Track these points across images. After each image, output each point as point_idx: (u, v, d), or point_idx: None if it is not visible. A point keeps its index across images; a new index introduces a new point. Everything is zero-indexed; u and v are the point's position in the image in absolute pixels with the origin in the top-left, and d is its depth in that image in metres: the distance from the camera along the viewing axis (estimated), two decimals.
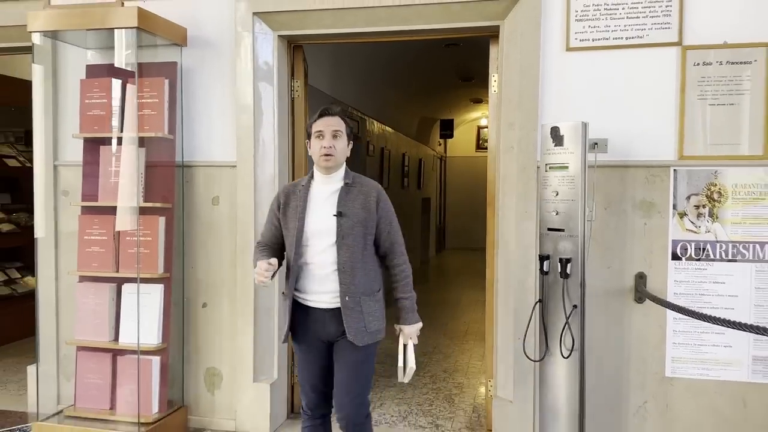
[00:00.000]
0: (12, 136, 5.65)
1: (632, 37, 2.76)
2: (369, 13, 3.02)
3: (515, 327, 2.92)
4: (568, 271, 2.49)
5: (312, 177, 2.26)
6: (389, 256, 2.26)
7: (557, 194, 2.53)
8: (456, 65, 7.29)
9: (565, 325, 2.51)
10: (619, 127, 2.77)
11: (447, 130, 11.77)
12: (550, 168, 2.57)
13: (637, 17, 2.76)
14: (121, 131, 3.08)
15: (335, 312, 2.17)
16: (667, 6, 2.73)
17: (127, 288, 3.09)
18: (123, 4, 2.96)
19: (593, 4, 2.79)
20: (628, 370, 2.83)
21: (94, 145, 3.17)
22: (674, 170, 2.75)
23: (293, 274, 2.20)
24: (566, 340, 2.51)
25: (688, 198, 2.74)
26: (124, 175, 3.03)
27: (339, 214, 2.15)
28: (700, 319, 2.28)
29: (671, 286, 2.77)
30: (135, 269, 3.01)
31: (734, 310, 2.71)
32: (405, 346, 2.26)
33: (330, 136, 2.16)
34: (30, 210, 5.27)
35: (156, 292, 3.06)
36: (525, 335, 2.71)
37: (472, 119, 12.53)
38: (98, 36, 3.10)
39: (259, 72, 3.17)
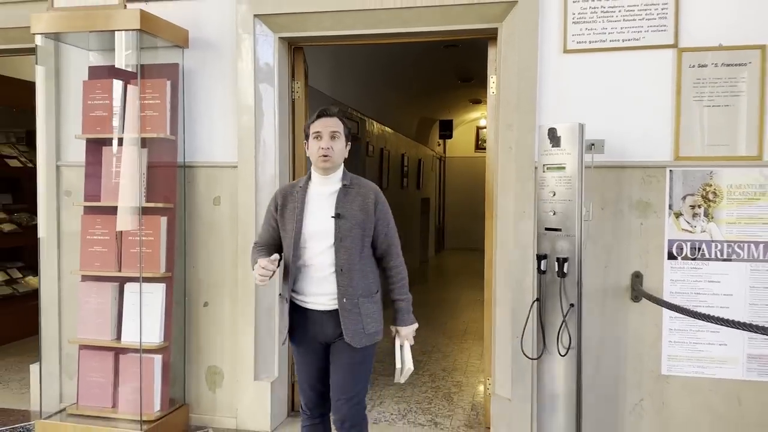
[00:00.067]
0: (13, 136, 5.68)
1: (628, 40, 2.80)
2: (368, 15, 3.05)
3: (513, 326, 2.95)
4: (565, 270, 2.52)
5: (310, 178, 2.25)
6: (386, 258, 2.26)
7: (554, 194, 2.56)
8: (455, 66, 7.33)
9: (562, 324, 2.55)
10: (616, 128, 2.80)
11: (446, 130, 11.81)
12: (547, 168, 2.60)
13: (633, 20, 2.79)
14: (123, 132, 3.11)
15: (333, 314, 2.17)
16: (662, 9, 2.76)
17: (129, 287, 3.12)
18: (125, 6, 2.98)
19: (590, 7, 2.82)
20: (625, 368, 2.87)
21: (96, 146, 3.20)
22: (670, 171, 2.78)
23: (291, 275, 2.20)
24: (563, 339, 2.55)
25: (684, 198, 2.77)
26: (126, 176, 3.07)
27: (337, 216, 2.14)
28: (695, 318, 2.30)
29: (667, 285, 2.80)
30: (137, 269, 3.04)
31: (729, 309, 2.74)
32: (401, 347, 2.27)
33: (328, 137, 2.16)
34: (31, 210, 5.34)
35: (158, 291, 3.09)
36: (523, 334, 2.75)
37: (471, 120, 12.56)
38: (100, 38, 3.13)
39: (260, 73, 3.20)
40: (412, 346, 2.30)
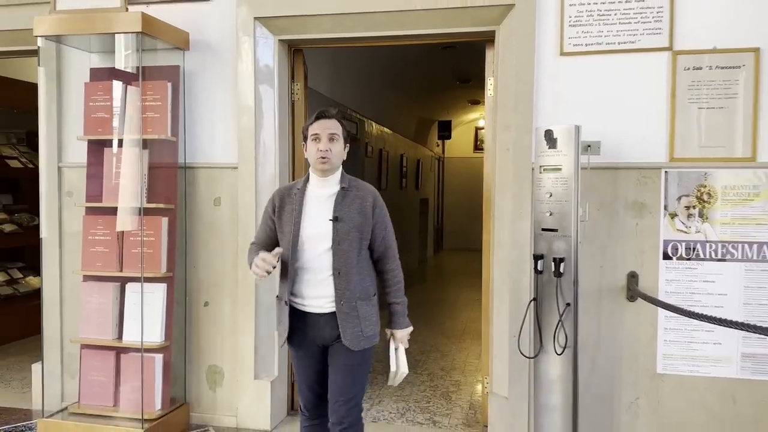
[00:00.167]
0: (14, 137, 5.70)
1: (624, 42, 2.83)
2: (367, 18, 3.08)
3: (510, 325, 2.98)
4: (561, 270, 2.56)
5: (308, 180, 2.23)
6: (382, 261, 2.25)
7: (551, 195, 2.60)
8: (453, 67, 7.37)
9: (558, 323, 2.58)
10: (612, 130, 2.84)
11: (445, 131, 11.85)
12: (544, 170, 2.63)
13: (629, 23, 2.83)
14: (124, 133, 3.14)
15: (330, 316, 2.16)
16: (658, 12, 2.80)
17: (130, 287, 3.15)
18: (127, 9, 3.01)
19: (586, 10, 2.86)
20: (621, 367, 2.90)
21: (98, 147, 3.23)
22: (665, 172, 2.82)
23: (289, 278, 2.18)
24: (560, 338, 2.58)
25: (679, 199, 2.81)
26: (127, 176, 3.10)
27: (335, 219, 2.13)
28: (690, 317, 2.33)
29: (662, 284, 2.84)
30: (138, 269, 3.07)
31: (723, 308, 2.78)
32: (396, 350, 2.27)
33: (326, 140, 2.14)
34: (31, 211, 5.37)
35: (159, 291, 3.12)
36: (520, 333, 2.78)
37: (469, 120, 12.59)
38: (102, 40, 3.16)
39: (260, 75, 3.23)
40: (407, 349, 2.30)
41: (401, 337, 2.27)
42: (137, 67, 3.06)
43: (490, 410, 3.12)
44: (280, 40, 3.27)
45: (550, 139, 2.60)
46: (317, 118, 2.18)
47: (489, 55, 3.18)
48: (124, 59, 3.16)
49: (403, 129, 9.20)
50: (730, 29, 2.74)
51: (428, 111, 10.38)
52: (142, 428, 2.98)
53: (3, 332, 4.91)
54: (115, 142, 3.18)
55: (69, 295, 3.47)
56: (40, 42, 3.20)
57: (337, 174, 2.21)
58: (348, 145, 2.25)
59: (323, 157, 2.13)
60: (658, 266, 2.84)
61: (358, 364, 2.20)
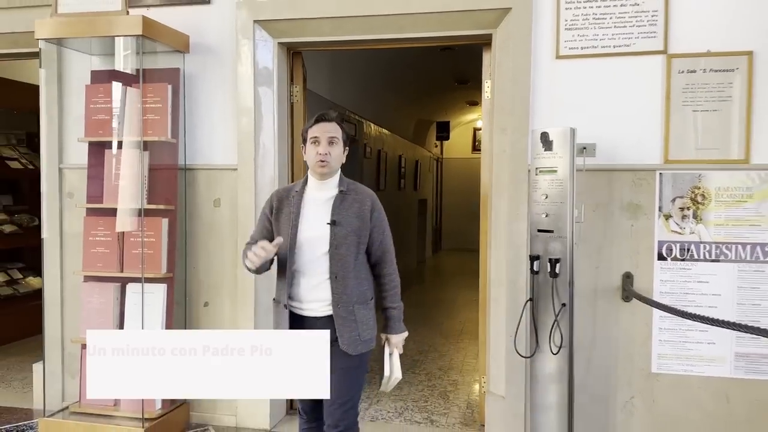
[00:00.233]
0: (14, 138, 5.72)
1: (619, 46, 2.87)
2: (366, 21, 3.12)
3: (507, 325, 3.01)
4: (557, 270, 2.59)
5: (306, 182, 2.22)
6: (380, 265, 2.24)
7: (547, 197, 2.63)
8: (452, 68, 7.40)
9: (554, 323, 2.61)
10: (607, 132, 2.87)
11: (443, 132, 11.87)
12: (540, 172, 2.66)
13: (624, 26, 2.86)
14: (125, 135, 3.17)
15: (327, 320, 2.14)
16: (653, 16, 2.83)
17: (131, 287, 3.18)
18: (128, 12, 3.04)
19: (582, 14, 2.89)
20: (616, 367, 2.94)
21: (98, 149, 3.26)
22: (660, 174, 2.85)
23: (286, 281, 2.16)
24: (555, 338, 2.61)
25: (673, 200, 2.84)
26: (127, 178, 3.12)
27: (333, 223, 2.12)
28: (684, 318, 2.37)
29: (657, 285, 2.87)
30: (139, 269, 3.10)
31: (717, 309, 2.81)
32: (391, 355, 2.26)
33: (326, 143, 2.13)
34: (31, 211, 5.39)
35: (159, 291, 3.15)
36: (516, 333, 2.81)
37: (468, 121, 12.63)
38: (103, 42, 3.19)
39: (259, 78, 3.26)
40: (400, 355, 2.28)
41: (396, 342, 2.26)
42: (138, 70, 3.08)
43: (487, 409, 3.15)
44: (279, 42, 3.30)
45: (546, 141, 2.63)
46: (317, 121, 2.17)
47: (486, 58, 3.21)
48: (124, 62, 3.19)
49: (402, 130, 9.23)
50: (723, 33, 2.78)
51: (427, 112, 10.41)
52: (143, 427, 3.01)
53: (3, 332, 4.93)
54: (115, 144, 3.20)
55: (70, 296, 3.49)
56: (41, 44, 3.22)
57: (336, 177, 2.20)
58: (347, 148, 2.24)
59: (322, 161, 2.12)
60: (653, 267, 2.87)
61: (355, 368, 2.19)
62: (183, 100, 3.29)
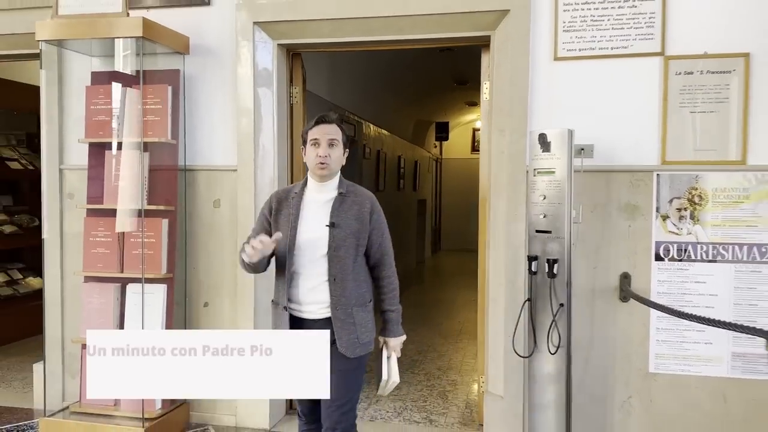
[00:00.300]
0: (14, 139, 5.74)
1: (617, 47, 2.88)
2: (366, 23, 3.13)
3: (506, 325, 3.03)
4: (555, 271, 2.60)
5: (305, 184, 2.21)
6: (378, 268, 2.23)
7: (545, 198, 2.64)
8: (451, 69, 7.41)
9: (552, 323, 2.63)
10: (605, 134, 2.89)
11: (442, 132, 11.89)
12: (538, 173, 2.68)
13: (622, 28, 2.88)
14: (125, 136, 3.18)
15: (326, 322, 2.13)
16: (650, 18, 2.85)
17: (131, 288, 3.19)
18: (128, 14, 3.05)
19: (580, 16, 2.91)
20: (614, 367, 2.95)
21: (99, 150, 3.27)
22: (657, 175, 2.87)
23: (285, 283, 2.15)
24: (553, 338, 2.62)
25: (671, 201, 2.86)
26: (127, 178, 3.14)
27: (332, 225, 2.11)
28: (682, 318, 2.38)
29: (654, 285, 2.89)
30: (139, 270, 3.11)
31: (714, 309, 2.82)
32: (388, 358, 2.25)
33: (326, 145, 2.12)
34: (31, 212, 5.40)
35: (159, 291, 3.16)
36: (514, 333, 2.82)
37: (467, 122, 12.64)
38: (103, 44, 3.20)
39: (259, 79, 3.28)
40: (399, 358, 2.28)
41: (394, 345, 2.25)
42: (138, 71, 3.10)
43: (486, 409, 3.17)
44: (279, 44, 3.32)
45: (544, 142, 2.65)
46: (317, 122, 2.16)
47: (484, 59, 3.23)
48: (124, 63, 3.20)
49: (401, 131, 9.25)
50: (721, 35, 2.79)
51: (426, 113, 10.43)
52: (143, 427, 3.02)
53: (3, 333, 4.94)
54: (115, 145, 3.21)
55: (70, 296, 3.50)
56: (42, 46, 3.24)
57: (335, 179, 2.20)
58: (348, 150, 2.23)
59: (322, 163, 2.12)
60: (650, 267, 2.89)
61: (353, 370, 2.18)
62: (183, 101, 3.31)
